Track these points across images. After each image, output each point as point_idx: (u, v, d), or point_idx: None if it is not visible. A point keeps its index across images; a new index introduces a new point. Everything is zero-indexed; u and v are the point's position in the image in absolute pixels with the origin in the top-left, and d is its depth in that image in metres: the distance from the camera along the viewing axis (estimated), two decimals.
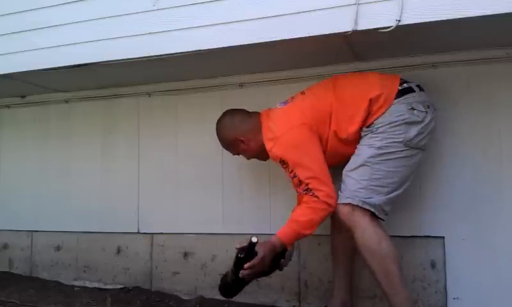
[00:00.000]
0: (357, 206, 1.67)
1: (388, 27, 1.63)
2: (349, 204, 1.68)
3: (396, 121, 1.69)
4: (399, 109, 1.70)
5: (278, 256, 1.77)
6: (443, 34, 1.82)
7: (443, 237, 2.04)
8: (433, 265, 2.05)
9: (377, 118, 1.71)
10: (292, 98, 1.91)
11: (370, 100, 1.71)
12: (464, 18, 1.56)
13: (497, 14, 1.52)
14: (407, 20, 1.62)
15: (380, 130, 1.70)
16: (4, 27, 2.33)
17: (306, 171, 1.72)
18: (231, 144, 2.02)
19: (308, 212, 1.71)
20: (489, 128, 1.99)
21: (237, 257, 1.71)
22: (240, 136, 1.96)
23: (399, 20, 1.62)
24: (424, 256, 2.07)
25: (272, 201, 2.32)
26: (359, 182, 1.69)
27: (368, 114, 1.72)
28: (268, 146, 1.83)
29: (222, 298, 2.33)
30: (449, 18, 1.57)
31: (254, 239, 1.67)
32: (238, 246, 1.73)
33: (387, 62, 2.13)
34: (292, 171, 1.75)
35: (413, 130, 1.69)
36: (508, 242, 1.94)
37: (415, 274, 2.08)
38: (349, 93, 1.78)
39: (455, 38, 1.89)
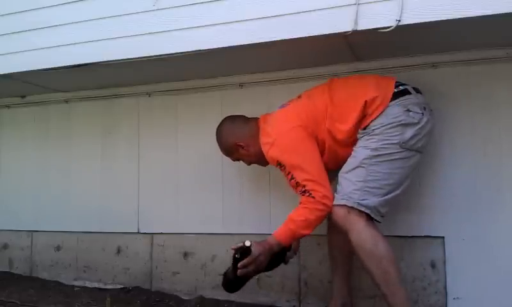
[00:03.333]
0: (352, 207, 1.66)
1: (388, 27, 1.63)
2: (344, 205, 1.68)
3: (392, 123, 1.68)
4: (394, 111, 1.70)
5: (280, 253, 1.81)
6: (443, 34, 1.82)
7: (443, 237, 2.04)
8: (433, 265, 2.05)
9: (373, 120, 1.71)
10: (290, 102, 1.93)
11: (366, 101, 1.71)
12: (464, 18, 1.56)
13: (497, 14, 1.52)
14: (407, 20, 1.62)
15: (376, 131, 1.70)
16: (4, 27, 2.33)
17: (302, 173, 1.73)
18: (231, 150, 2.04)
19: (305, 212, 1.72)
20: (490, 128, 1.99)
21: (234, 257, 1.75)
22: (239, 141, 1.98)
23: (399, 20, 1.61)
24: (424, 256, 2.07)
25: (272, 201, 2.32)
26: (354, 183, 1.69)
27: (364, 115, 1.73)
28: (265, 149, 1.85)
29: (222, 298, 2.36)
30: (449, 18, 1.57)
31: (247, 243, 1.72)
32: (234, 247, 1.77)
33: (387, 63, 2.13)
34: (289, 173, 1.77)
35: (409, 132, 1.69)
36: (508, 242, 1.94)
37: (415, 274, 2.08)
38: (344, 94, 1.79)
39: (455, 38, 1.89)
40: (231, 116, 2.08)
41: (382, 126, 1.69)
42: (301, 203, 1.74)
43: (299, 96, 1.92)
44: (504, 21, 1.60)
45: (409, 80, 1.94)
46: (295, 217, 1.74)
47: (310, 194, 1.71)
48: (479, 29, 1.77)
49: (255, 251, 1.72)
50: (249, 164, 2.09)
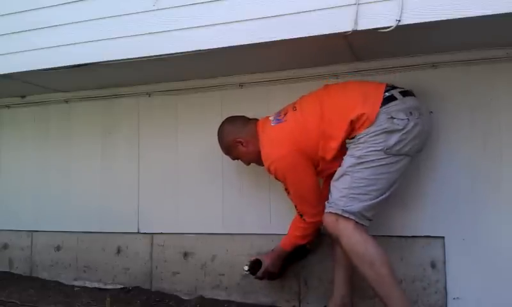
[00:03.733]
0: (338, 214, 1.71)
1: (388, 27, 1.63)
2: (331, 213, 1.73)
3: (376, 131, 1.71)
4: (379, 119, 1.71)
5: (297, 251, 2.12)
6: (443, 34, 1.82)
7: (443, 237, 2.04)
8: (433, 265, 2.05)
9: (360, 132, 1.74)
10: (285, 113, 1.93)
11: (351, 121, 1.74)
12: (464, 18, 1.56)
13: (497, 14, 1.51)
14: (407, 20, 1.62)
15: (361, 140, 1.73)
16: (4, 27, 2.32)
17: (295, 197, 1.95)
18: (230, 147, 2.09)
19: (299, 229, 2.02)
20: (489, 129, 1.99)
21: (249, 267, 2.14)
22: (239, 138, 2.03)
23: (399, 20, 1.61)
24: (424, 256, 2.07)
25: (272, 201, 2.32)
26: (340, 191, 1.74)
27: (351, 131, 1.76)
28: (265, 164, 1.94)
29: (222, 298, 2.38)
30: (449, 18, 1.57)
31: (245, 268, 2.13)
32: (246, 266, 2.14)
33: (387, 63, 2.13)
34: (285, 189, 1.99)
35: (393, 138, 1.70)
36: (508, 242, 1.94)
37: (415, 274, 2.08)
38: (333, 112, 1.81)
39: (455, 38, 1.89)
40: (232, 116, 2.15)
41: (366, 135, 1.72)
42: (296, 220, 2.02)
43: (294, 108, 1.92)
44: (504, 21, 1.60)
45: (409, 80, 1.94)
46: (292, 232, 2.06)
47: (302, 216, 1.96)
48: (479, 29, 1.77)
49: (264, 264, 2.10)
50: (248, 163, 2.13)
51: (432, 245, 2.06)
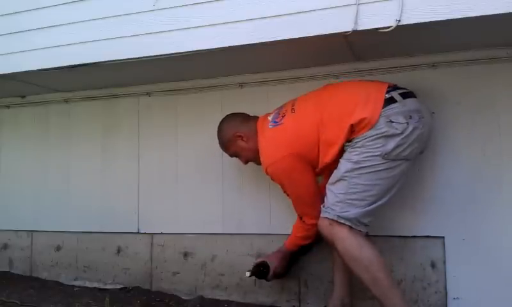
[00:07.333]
0: (333, 220, 1.70)
1: (388, 27, 1.63)
2: (326, 218, 1.73)
3: (374, 135, 1.67)
4: (377, 123, 1.67)
5: (301, 249, 2.12)
6: (443, 34, 1.82)
7: (443, 237, 2.04)
8: (433, 265, 2.06)
9: (359, 136, 1.71)
10: (283, 115, 1.90)
11: (352, 125, 1.70)
12: (464, 18, 1.55)
13: (497, 14, 1.52)
14: (407, 20, 1.61)
15: (358, 144, 1.70)
16: (4, 27, 2.32)
17: (293, 199, 1.94)
18: (230, 141, 2.06)
19: (300, 231, 2.00)
20: (489, 128, 1.99)
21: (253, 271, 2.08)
22: (239, 132, 2.02)
23: (399, 20, 1.61)
24: (424, 256, 2.07)
25: (273, 201, 2.32)
26: (336, 196, 1.72)
27: (351, 134, 1.72)
28: (262, 167, 1.94)
29: (222, 298, 2.38)
30: (449, 18, 1.57)
31: (247, 274, 2.06)
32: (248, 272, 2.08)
33: (387, 63, 2.13)
34: (284, 192, 1.97)
35: (392, 143, 1.66)
36: (508, 242, 1.94)
37: (415, 274, 2.08)
38: (333, 117, 1.77)
39: (455, 38, 1.89)
40: (233, 112, 2.15)
41: (364, 139, 1.69)
42: (296, 222, 2.00)
43: (293, 110, 1.89)
44: (504, 21, 1.60)
45: (409, 80, 1.94)
46: (295, 233, 2.03)
47: (301, 218, 1.95)
48: (479, 29, 1.77)
49: (271, 266, 2.05)
50: (246, 161, 2.11)
51: (432, 245, 2.06)
